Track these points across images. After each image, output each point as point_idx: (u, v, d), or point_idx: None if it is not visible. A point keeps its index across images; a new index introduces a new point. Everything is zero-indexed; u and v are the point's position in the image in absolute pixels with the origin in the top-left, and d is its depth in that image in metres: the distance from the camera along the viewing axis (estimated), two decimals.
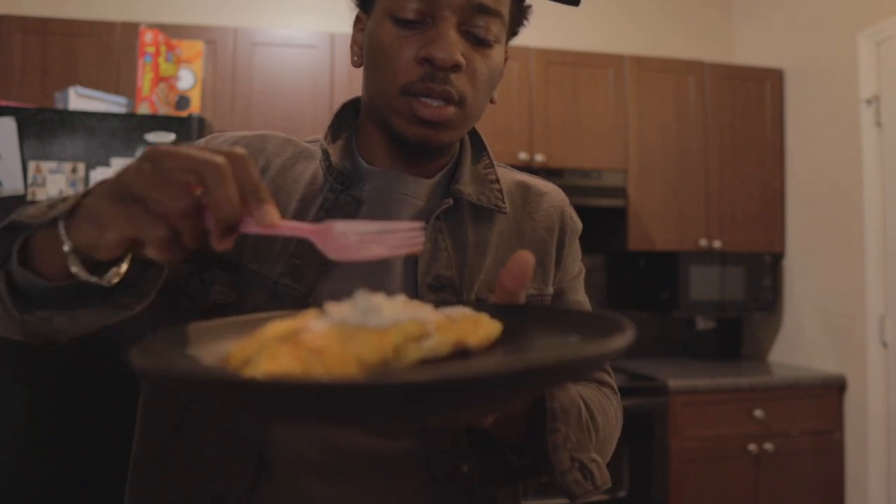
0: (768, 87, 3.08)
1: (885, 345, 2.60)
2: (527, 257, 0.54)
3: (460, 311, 0.47)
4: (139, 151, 1.77)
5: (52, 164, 1.74)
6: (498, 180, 0.81)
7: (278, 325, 0.42)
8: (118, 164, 1.77)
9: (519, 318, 0.52)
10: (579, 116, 2.86)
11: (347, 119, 0.81)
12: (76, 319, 0.55)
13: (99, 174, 1.78)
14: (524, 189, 0.84)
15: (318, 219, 0.73)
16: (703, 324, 3.18)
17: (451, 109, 0.70)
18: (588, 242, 0.92)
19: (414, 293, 0.72)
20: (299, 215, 0.74)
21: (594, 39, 3.23)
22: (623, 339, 0.39)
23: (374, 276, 0.72)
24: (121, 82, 2.47)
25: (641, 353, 3.12)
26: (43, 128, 1.73)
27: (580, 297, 0.86)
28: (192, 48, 2.18)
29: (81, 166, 1.75)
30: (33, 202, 0.55)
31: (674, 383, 2.54)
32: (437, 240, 0.75)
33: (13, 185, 1.72)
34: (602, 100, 2.90)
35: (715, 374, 2.71)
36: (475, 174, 0.80)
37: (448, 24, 0.68)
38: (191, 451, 0.71)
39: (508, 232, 0.80)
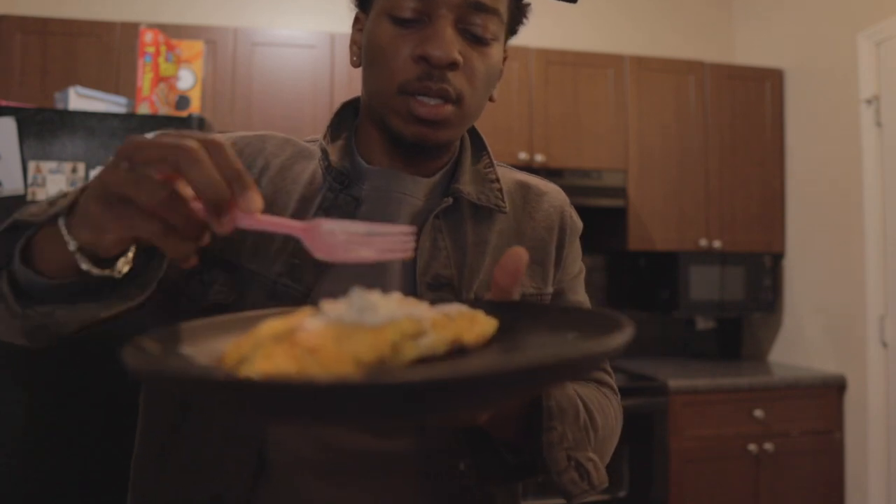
0: (768, 87, 3.08)
1: (885, 345, 2.59)
2: (520, 253, 0.54)
3: (456, 309, 0.46)
4: None
5: (52, 164, 1.74)
6: (498, 180, 0.81)
7: (273, 324, 0.41)
8: None
9: (514, 314, 0.51)
10: (579, 116, 2.86)
11: (347, 119, 0.81)
12: (77, 312, 0.55)
13: None
14: (524, 189, 0.84)
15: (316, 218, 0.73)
16: (703, 324, 3.18)
17: (449, 108, 0.69)
18: (588, 242, 0.92)
19: (413, 292, 0.72)
20: (298, 215, 0.73)
21: (594, 39, 3.22)
22: (623, 337, 0.39)
23: (372, 275, 0.72)
24: (121, 82, 2.47)
25: (641, 353, 3.12)
26: (43, 128, 1.73)
27: (580, 297, 0.86)
28: (192, 48, 2.18)
29: (81, 166, 1.75)
30: (33, 202, 0.56)
31: (674, 383, 2.54)
32: (436, 239, 0.74)
33: (13, 185, 1.72)
34: (602, 100, 2.90)
35: (715, 374, 2.71)
36: (475, 173, 0.80)
37: (445, 22, 0.68)
38: (189, 450, 0.71)
39: (508, 231, 0.80)
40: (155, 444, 0.74)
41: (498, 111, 2.72)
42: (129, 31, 2.49)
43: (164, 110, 2.03)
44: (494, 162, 0.83)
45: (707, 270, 2.91)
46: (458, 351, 0.45)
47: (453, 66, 0.68)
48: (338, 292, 0.50)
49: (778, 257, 3.10)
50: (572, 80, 2.87)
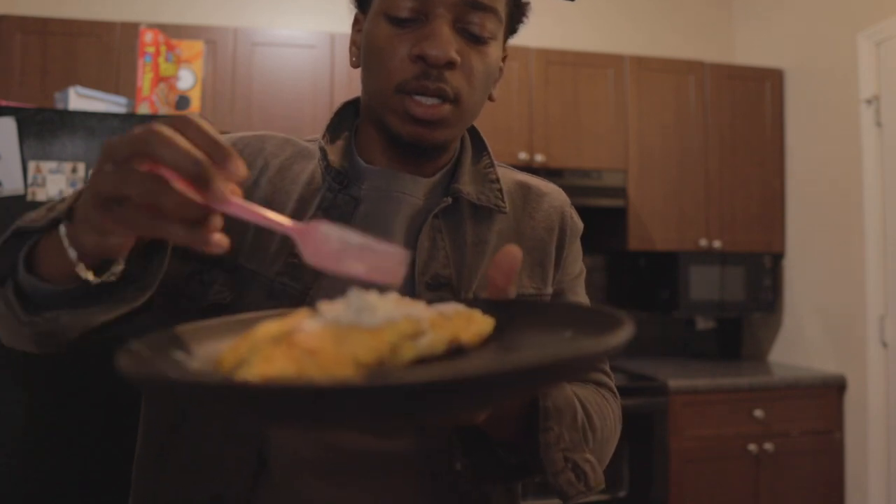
0: (768, 87, 3.08)
1: (885, 345, 2.59)
2: (514, 251, 0.54)
3: (453, 308, 0.46)
4: None
5: (52, 164, 1.74)
6: (498, 180, 0.81)
7: (270, 326, 0.41)
8: None
9: (510, 313, 0.51)
10: (579, 116, 2.86)
11: (347, 119, 0.81)
12: (80, 316, 0.55)
13: None
14: (525, 189, 0.84)
15: (315, 218, 0.73)
16: (703, 324, 3.18)
17: (446, 107, 0.69)
18: (588, 242, 0.92)
19: (411, 292, 0.72)
20: (297, 214, 0.73)
21: (594, 39, 3.22)
22: (623, 335, 0.38)
23: None
24: (121, 82, 2.47)
25: (641, 353, 3.12)
26: (43, 128, 1.73)
27: (580, 298, 0.85)
28: (192, 48, 2.18)
29: (81, 166, 1.75)
30: (33, 203, 0.56)
31: (674, 383, 2.54)
32: (435, 239, 0.74)
33: (13, 185, 1.72)
34: (602, 100, 2.90)
35: (715, 374, 2.70)
36: (475, 173, 0.80)
37: (442, 21, 0.67)
38: (189, 450, 0.71)
39: (508, 232, 0.79)
40: (155, 443, 0.74)
41: (498, 111, 2.72)
42: (129, 31, 2.49)
43: (164, 110, 2.03)
44: (495, 162, 0.83)
45: (707, 270, 2.91)
46: (455, 350, 0.45)
47: (450, 65, 0.68)
48: (336, 291, 0.50)
49: (778, 257, 3.10)
50: (572, 80, 2.87)
